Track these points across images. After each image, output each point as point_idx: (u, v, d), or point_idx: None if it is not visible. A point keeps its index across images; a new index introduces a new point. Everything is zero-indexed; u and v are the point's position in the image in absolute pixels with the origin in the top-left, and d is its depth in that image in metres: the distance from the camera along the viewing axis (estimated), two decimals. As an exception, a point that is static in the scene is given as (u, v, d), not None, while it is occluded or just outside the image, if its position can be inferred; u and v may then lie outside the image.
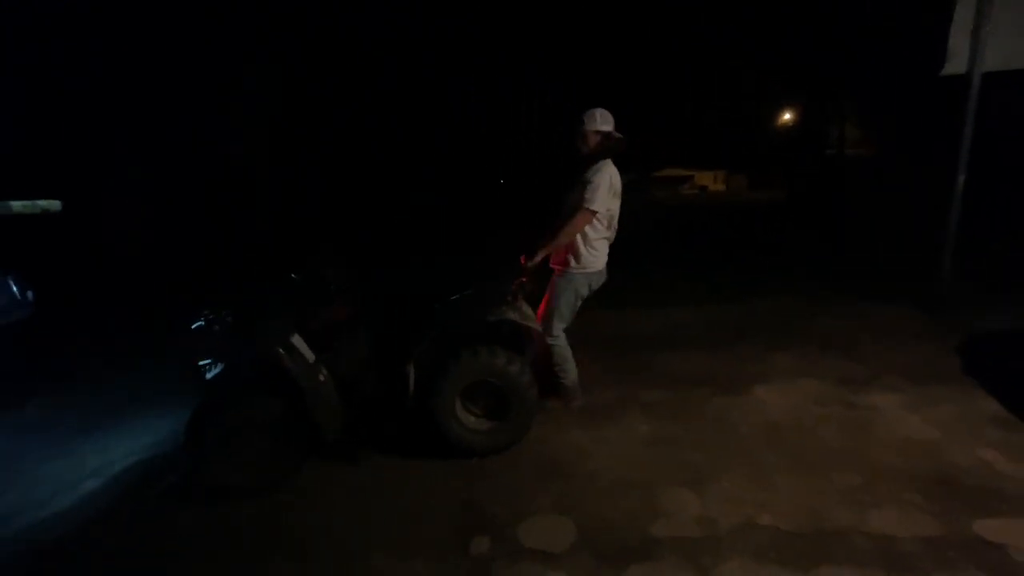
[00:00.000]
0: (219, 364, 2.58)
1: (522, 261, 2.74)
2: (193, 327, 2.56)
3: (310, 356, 2.51)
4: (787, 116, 29.49)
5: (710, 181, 44.45)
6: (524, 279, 2.74)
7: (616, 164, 2.84)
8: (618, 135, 2.78)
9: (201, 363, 2.58)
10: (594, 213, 2.70)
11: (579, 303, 2.91)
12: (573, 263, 2.83)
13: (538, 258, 2.73)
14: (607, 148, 2.75)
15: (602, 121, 2.74)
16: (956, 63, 3.93)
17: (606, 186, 2.70)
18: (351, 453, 2.73)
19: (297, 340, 2.49)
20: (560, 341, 2.94)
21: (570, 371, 3.01)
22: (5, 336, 4.21)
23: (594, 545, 2.02)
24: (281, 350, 2.43)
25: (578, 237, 2.77)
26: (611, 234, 2.89)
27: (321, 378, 2.52)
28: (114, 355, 4.91)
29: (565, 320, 2.92)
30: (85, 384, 4.22)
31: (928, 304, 4.28)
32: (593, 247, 2.82)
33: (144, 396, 3.84)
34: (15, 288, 4.43)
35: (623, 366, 3.71)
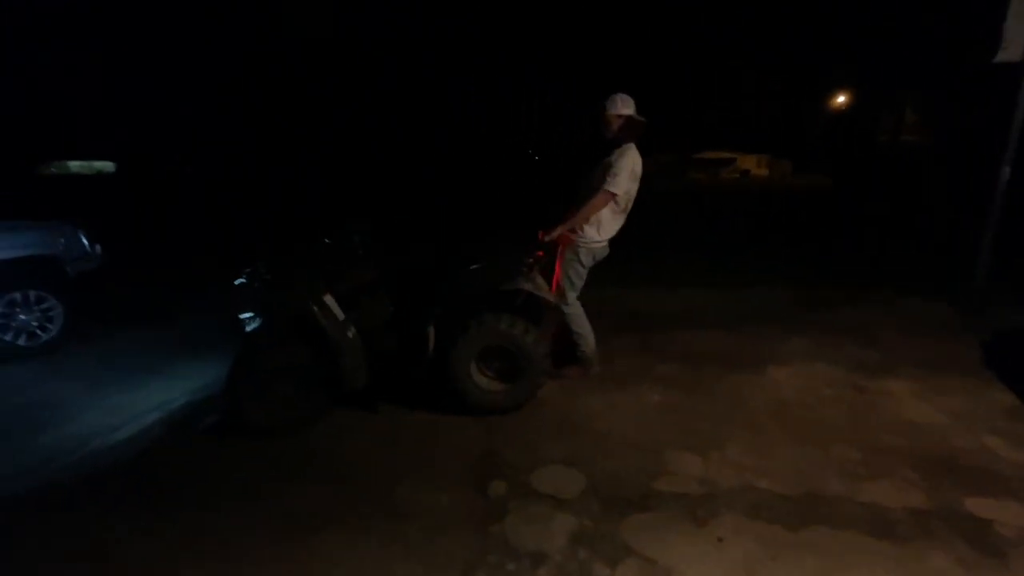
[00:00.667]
0: (258, 318, 2.84)
1: (540, 236, 2.91)
2: (235, 283, 2.81)
3: (340, 314, 2.76)
4: (840, 99, 28.06)
5: (753, 165, 42.82)
6: (540, 253, 2.90)
7: (646, 146, 2.98)
8: (639, 118, 2.88)
9: (242, 316, 2.84)
10: (614, 195, 2.84)
11: (585, 272, 3.07)
12: (579, 236, 2.97)
13: (555, 233, 2.91)
14: (629, 131, 2.85)
15: (623, 105, 2.85)
16: (1011, 51, 3.79)
17: (628, 170, 2.82)
18: (382, 403, 2.99)
19: (328, 299, 2.74)
20: (575, 309, 3.10)
21: (588, 339, 3.16)
22: (78, 285, 4.64)
23: (600, 494, 2.22)
24: (314, 306, 2.67)
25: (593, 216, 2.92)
26: (624, 216, 3.03)
27: (349, 334, 2.76)
28: (176, 305, 5.35)
29: (576, 288, 3.08)
30: (153, 330, 4.64)
31: (960, 299, 4.23)
32: (602, 224, 2.97)
33: (203, 343, 4.22)
34: (86, 241, 4.84)
35: (642, 341, 3.85)
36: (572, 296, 3.09)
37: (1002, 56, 3.84)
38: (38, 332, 4.18)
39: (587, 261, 3.05)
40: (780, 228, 10.15)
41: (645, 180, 3.05)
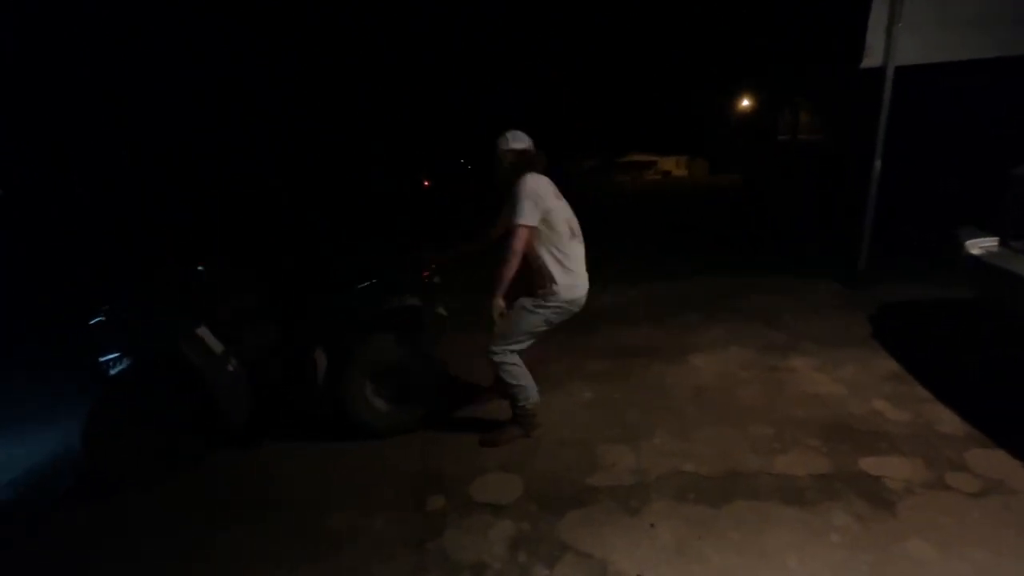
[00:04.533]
0: (123, 360, 2.58)
1: (424, 275, 2.83)
2: (92, 322, 2.54)
3: (217, 347, 2.58)
4: (745, 103, 30.54)
5: (673, 166, 45.43)
6: (427, 273, 2.83)
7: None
8: (535, 152, 2.62)
9: (104, 359, 2.57)
10: (528, 227, 2.43)
11: (544, 329, 2.60)
12: (552, 289, 2.51)
13: (497, 295, 2.48)
14: (525, 165, 2.55)
15: (513, 140, 2.60)
16: (873, 57, 4.29)
17: (531, 196, 2.44)
18: (304, 428, 2.86)
19: (203, 331, 2.56)
20: (507, 358, 2.57)
21: (529, 392, 2.64)
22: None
23: (538, 496, 2.25)
24: (184, 341, 2.49)
25: (548, 257, 2.50)
26: (578, 241, 2.62)
27: (230, 368, 2.60)
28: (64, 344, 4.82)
29: (513, 345, 2.57)
30: (23, 377, 4.16)
31: (848, 280, 4.70)
32: (569, 267, 2.53)
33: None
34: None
35: (573, 339, 3.95)
36: (503, 346, 2.56)
37: (866, 62, 4.34)
38: None
39: (555, 320, 2.57)
40: (698, 224, 10.82)
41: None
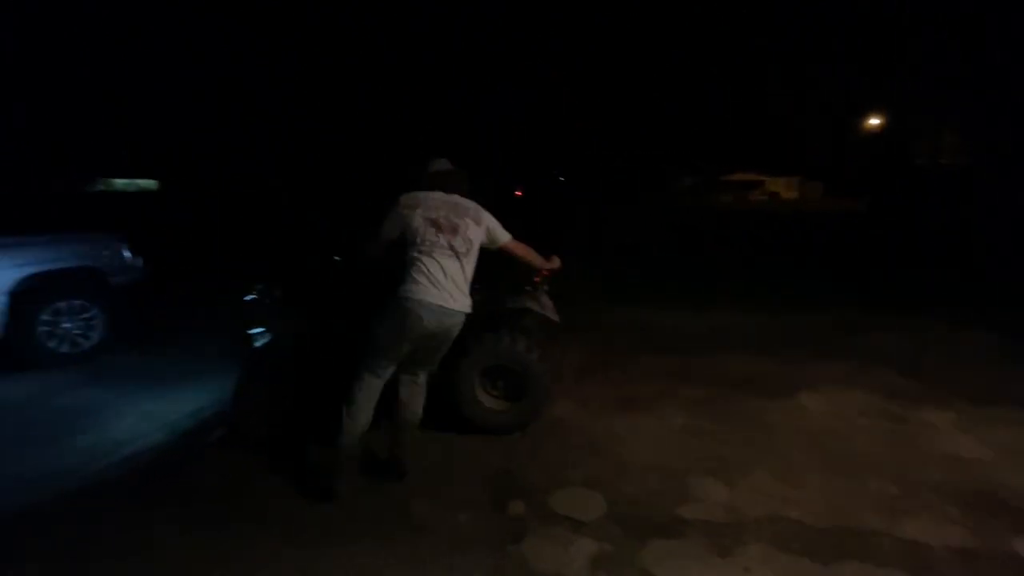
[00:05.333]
0: (268, 334, 2.88)
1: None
2: (246, 299, 2.87)
3: (348, 331, 2.76)
4: (873, 122, 27.58)
5: (782, 188, 42.26)
6: (546, 273, 2.79)
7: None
8: (444, 173, 2.57)
9: (251, 332, 2.88)
10: (376, 239, 2.45)
11: (401, 345, 2.32)
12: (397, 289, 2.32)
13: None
14: (427, 183, 2.51)
15: (431, 165, 2.60)
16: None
17: (392, 212, 2.39)
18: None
19: (337, 315, 2.78)
20: (362, 378, 2.36)
21: (351, 426, 2.35)
22: (120, 296, 4.85)
23: (621, 518, 2.17)
24: (323, 324, 2.73)
25: (403, 260, 2.40)
26: (435, 261, 2.31)
27: (357, 351, 2.77)
28: (211, 316, 5.53)
29: (375, 359, 2.35)
30: (187, 340, 4.81)
31: (1008, 328, 4.03)
32: (409, 271, 2.32)
33: (236, 354, 4.33)
34: (128, 254, 5.08)
35: (667, 363, 3.78)
36: (367, 367, 2.37)
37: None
38: (80, 340, 4.38)
39: (404, 330, 2.27)
40: (813, 251, 9.93)
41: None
